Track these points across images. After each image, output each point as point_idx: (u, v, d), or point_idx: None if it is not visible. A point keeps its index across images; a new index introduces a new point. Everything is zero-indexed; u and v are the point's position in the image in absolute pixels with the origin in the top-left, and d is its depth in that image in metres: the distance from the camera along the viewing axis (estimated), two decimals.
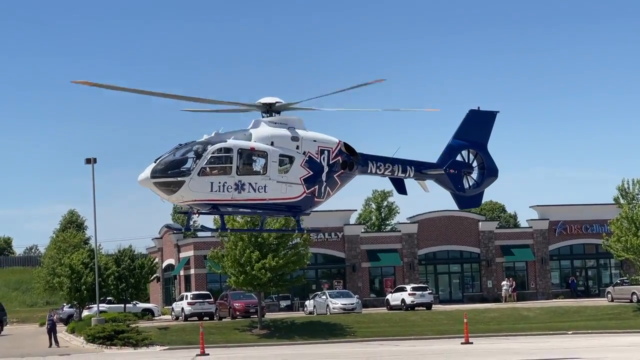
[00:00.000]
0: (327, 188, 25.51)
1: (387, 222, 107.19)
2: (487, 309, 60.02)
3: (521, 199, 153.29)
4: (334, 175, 25.56)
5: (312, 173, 25.05)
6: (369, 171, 26.64)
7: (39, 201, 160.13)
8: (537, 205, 78.77)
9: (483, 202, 28.88)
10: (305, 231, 28.16)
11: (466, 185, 27.92)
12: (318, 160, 25.20)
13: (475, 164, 28.07)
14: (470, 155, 28.06)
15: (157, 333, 50.40)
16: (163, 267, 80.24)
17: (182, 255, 74.57)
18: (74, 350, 47.45)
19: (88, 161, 56.37)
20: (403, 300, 62.76)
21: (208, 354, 38.56)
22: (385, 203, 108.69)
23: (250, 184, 24.16)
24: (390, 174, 27.14)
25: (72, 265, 62.60)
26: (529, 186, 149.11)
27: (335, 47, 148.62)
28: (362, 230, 78.41)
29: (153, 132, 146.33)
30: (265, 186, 24.30)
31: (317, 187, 25.22)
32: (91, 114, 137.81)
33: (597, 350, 33.06)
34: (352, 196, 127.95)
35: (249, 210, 25.38)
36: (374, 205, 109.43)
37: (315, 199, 25.39)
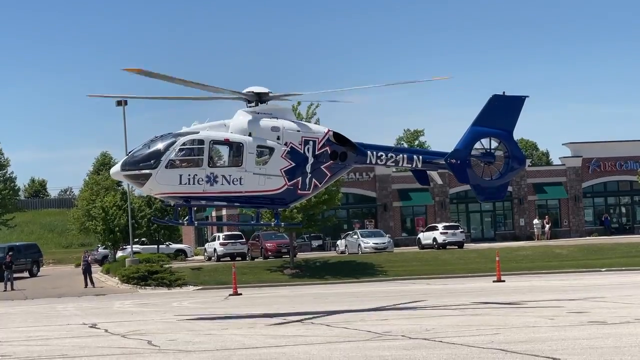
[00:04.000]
0: (313, 180, 24.39)
1: None
2: (519, 247, 59.84)
3: (554, 136, 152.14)
4: (321, 167, 24.46)
5: (294, 164, 23.99)
6: (368, 161, 25.45)
7: (72, 144, 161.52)
8: (570, 143, 78.03)
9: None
10: (282, 225, 27.28)
11: (487, 176, 26.61)
12: (301, 151, 24.09)
13: (499, 153, 26.56)
14: (493, 143, 26.53)
15: (190, 273, 50.81)
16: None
17: None
18: (109, 290, 48.04)
19: (119, 103, 56.27)
20: (435, 239, 62.76)
21: (241, 294, 38.81)
22: (416, 142, 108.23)
23: (223, 176, 23.32)
24: (393, 164, 26.08)
25: (105, 208, 63.07)
26: (562, 123, 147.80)
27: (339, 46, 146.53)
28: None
29: (184, 74, 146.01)
30: (240, 178, 23.40)
31: (300, 179, 24.14)
32: (123, 57, 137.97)
33: (629, 287, 32.79)
34: (383, 136, 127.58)
35: (225, 203, 24.45)
36: (405, 145, 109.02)
37: (299, 192, 24.32)
